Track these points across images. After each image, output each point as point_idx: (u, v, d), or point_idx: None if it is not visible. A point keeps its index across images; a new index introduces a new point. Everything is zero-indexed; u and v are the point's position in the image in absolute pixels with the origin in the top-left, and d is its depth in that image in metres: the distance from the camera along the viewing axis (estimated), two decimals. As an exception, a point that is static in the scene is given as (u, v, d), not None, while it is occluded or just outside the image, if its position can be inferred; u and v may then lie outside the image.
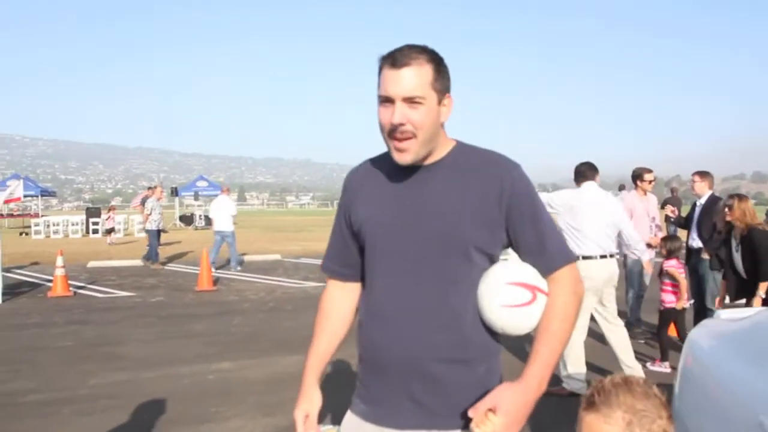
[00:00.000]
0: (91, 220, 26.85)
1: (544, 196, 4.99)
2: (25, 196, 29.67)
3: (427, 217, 1.60)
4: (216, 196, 15.87)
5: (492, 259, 1.65)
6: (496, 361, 1.67)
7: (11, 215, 33.69)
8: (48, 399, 5.01)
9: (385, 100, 1.55)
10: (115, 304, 9.67)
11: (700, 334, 3.07)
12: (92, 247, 19.92)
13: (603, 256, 5.06)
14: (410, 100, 1.53)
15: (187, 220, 32.73)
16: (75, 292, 10.60)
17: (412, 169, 1.64)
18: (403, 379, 1.61)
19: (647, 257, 5.75)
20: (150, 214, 14.20)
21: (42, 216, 29.26)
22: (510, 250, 1.70)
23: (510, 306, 1.57)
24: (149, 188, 15.56)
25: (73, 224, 26.99)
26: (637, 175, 7.07)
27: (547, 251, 1.63)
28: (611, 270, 5.11)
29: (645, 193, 7.02)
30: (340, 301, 1.84)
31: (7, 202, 15.76)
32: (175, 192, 34.82)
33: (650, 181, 6.99)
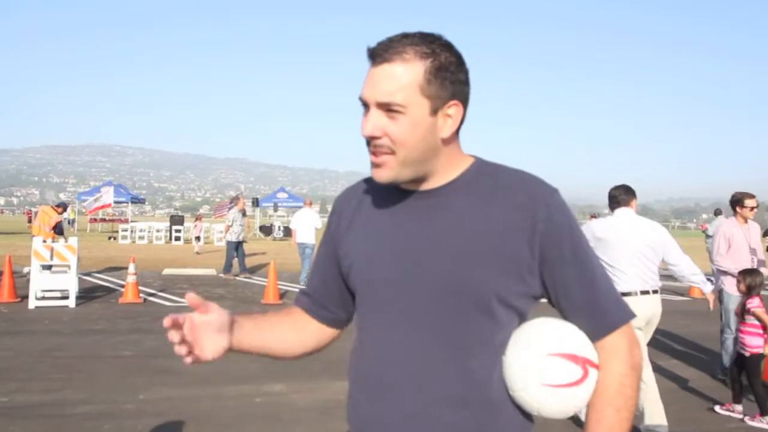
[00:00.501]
0: (174, 227, 27.73)
1: None
2: (115, 203, 31.23)
3: (436, 258, 1.22)
4: (296, 207, 15.86)
5: (522, 316, 1.26)
6: None
7: (104, 220, 35.34)
8: (93, 412, 4.89)
9: (363, 104, 1.23)
10: (181, 313, 9.63)
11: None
12: (172, 254, 20.44)
13: (645, 292, 4.48)
14: (387, 107, 1.19)
15: (266, 230, 33.36)
16: (145, 299, 10.71)
17: (418, 193, 1.27)
18: None
19: (709, 288, 5.06)
20: (231, 225, 14.20)
21: (130, 222, 30.50)
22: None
23: (553, 386, 1.18)
24: (232, 199, 15.66)
25: (157, 231, 27.96)
26: (737, 201, 6.30)
27: (598, 308, 1.25)
28: (654, 308, 4.52)
29: (745, 221, 6.25)
30: (300, 331, 1.46)
31: (94, 210, 16.41)
32: (256, 202, 35.59)
33: (752, 208, 6.22)
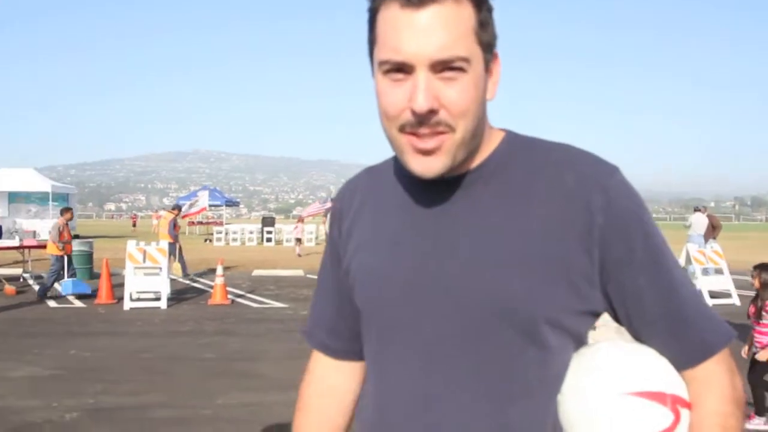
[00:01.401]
0: (266, 228, 28.37)
1: None
2: (211, 206, 32.43)
3: (458, 268, 0.91)
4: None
5: (578, 340, 0.92)
6: None
7: (201, 223, 36.73)
8: (171, 417, 4.87)
9: (396, 69, 0.86)
10: (266, 315, 9.68)
11: None
12: (263, 255, 20.86)
13: None
14: (444, 66, 0.85)
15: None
16: (233, 301, 10.84)
17: (435, 184, 0.93)
18: None
19: None
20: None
21: (225, 224, 31.52)
22: (606, 317, 0.95)
23: None
24: (332, 200, 15.73)
25: (249, 233, 28.70)
26: None
27: (686, 326, 0.91)
28: None
29: None
30: (332, 385, 1.14)
31: (190, 215, 16.95)
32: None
33: None
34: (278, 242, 27.30)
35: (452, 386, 0.91)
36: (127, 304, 10.00)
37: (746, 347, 4.84)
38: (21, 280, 13.30)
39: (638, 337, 0.94)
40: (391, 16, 0.86)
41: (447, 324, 0.91)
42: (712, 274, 11.39)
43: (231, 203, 37.82)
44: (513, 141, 0.98)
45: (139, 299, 10.30)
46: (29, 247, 14.01)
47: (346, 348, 1.12)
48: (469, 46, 0.86)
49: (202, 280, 14.02)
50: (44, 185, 28.32)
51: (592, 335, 0.94)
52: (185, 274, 14.13)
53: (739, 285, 11.61)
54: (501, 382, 0.90)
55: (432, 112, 0.85)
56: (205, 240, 29.10)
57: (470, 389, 0.90)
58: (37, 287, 11.75)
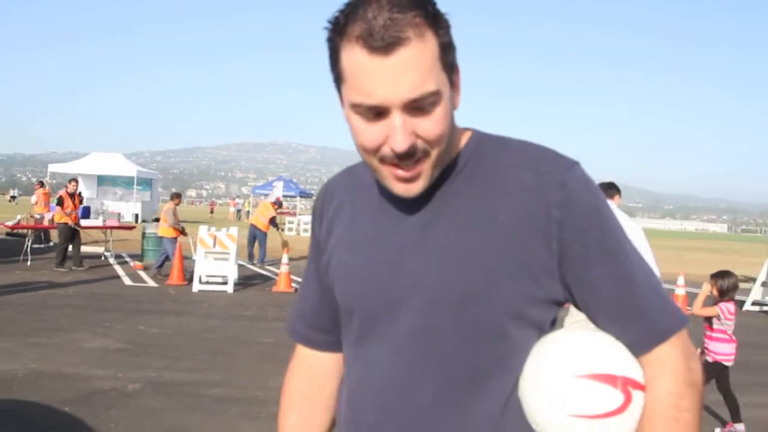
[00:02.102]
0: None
1: None
2: (285, 196, 33.14)
3: (434, 271, 0.96)
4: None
5: (540, 328, 0.97)
6: None
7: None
8: (224, 395, 5.08)
9: (372, 111, 0.90)
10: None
11: None
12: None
13: None
14: (417, 104, 0.89)
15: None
16: (296, 289, 11.09)
17: None
18: None
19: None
20: None
21: (297, 215, 32.17)
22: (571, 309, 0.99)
23: (584, 417, 0.89)
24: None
25: (306, 223, 29.22)
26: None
27: (640, 312, 0.95)
28: None
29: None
30: (317, 378, 1.20)
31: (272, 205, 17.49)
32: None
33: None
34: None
35: (418, 375, 0.96)
36: (196, 287, 10.45)
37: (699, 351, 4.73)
38: (102, 258, 14.13)
39: (597, 325, 0.98)
40: (357, 60, 0.88)
41: (418, 316, 0.97)
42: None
43: (305, 195, 38.55)
44: (479, 140, 1.03)
45: (207, 282, 10.74)
46: (112, 227, 14.84)
47: (327, 340, 1.19)
48: (436, 77, 0.89)
49: (269, 267, 14.43)
50: (130, 170, 29.74)
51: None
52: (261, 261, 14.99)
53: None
54: (464, 371, 0.95)
55: (411, 148, 0.90)
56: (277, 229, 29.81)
57: (434, 378, 0.96)
58: (117, 265, 12.44)
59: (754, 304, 11.20)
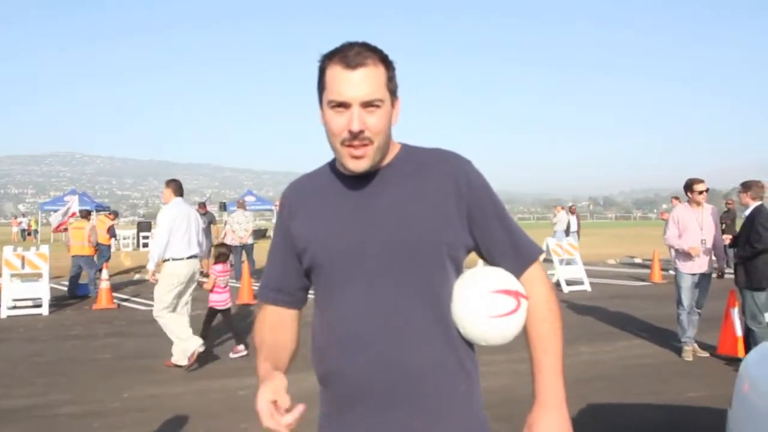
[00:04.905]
0: (142, 233, 27.46)
1: None
2: (81, 211, 30.67)
3: (389, 226, 1.46)
4: (265, 210, 15.76)
5: (459, 268, 1.53)
6: (477, 377, 1.55)
7: (66, 229, 34.56)
8: (80, 411, 5.02)
9: (339, 105, 1.42)
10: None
11: (756, 359, 2.81)
12: (141, 260, 20.27)
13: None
14: (368, 104, 1.41)
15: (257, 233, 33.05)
16: (119, 305, 10.73)
17: (360, 178, 1.51)
18: (385, 407, 1.44)
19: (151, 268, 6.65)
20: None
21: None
22: None
23: (497, 316, 1.45)
24: (199, 204, 15.42)
25: (124, 238, 27.67)
26: (688, 186, 6.68)
27: (519, 248, 1.55)
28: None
29: (699, 205, 6.62)
30: (283, 327, 1.65)
31: (65, 223, 16.27)
32: (223, 207, 35.31)
33: (701, 192, 6.59)
34: (155, 247, 26.50)
35: (394, 300, 1.44)
36: (4, 312, 9.66)
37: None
38: None
39: (491, 261, 1.55)
40: (335, 72, 1.41)
41: (382, 259, 1.44)
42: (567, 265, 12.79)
43: (101, 208, 36.00)
44: (407, 148, 1.57)
45: (15, 307, 9.96)
46: None
47: (288, 300, 1.63)
48: (383, 92, 1.42)
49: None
50: None
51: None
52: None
53: (590, 274, 13.09)
54: (425, 292, 1.45)
55: (361, 131, 1.41)
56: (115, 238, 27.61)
57: (406, 299, 1.44)
58: None
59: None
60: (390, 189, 1.49)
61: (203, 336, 6.59)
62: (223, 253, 7.07)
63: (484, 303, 1.45)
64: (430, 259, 1.45)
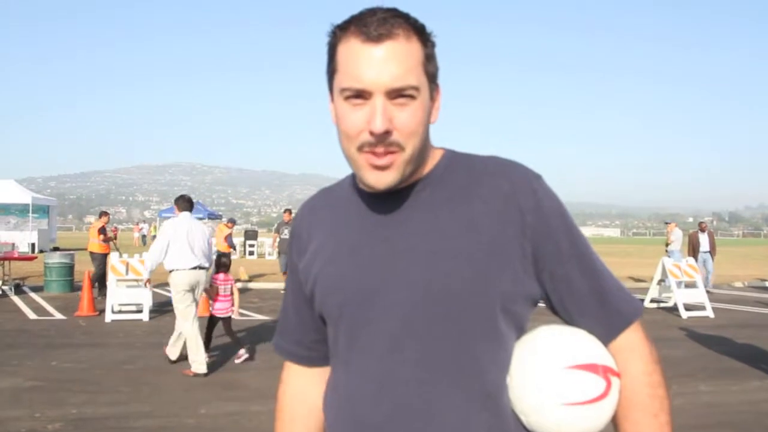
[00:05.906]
0: (248, 242, 28.31)
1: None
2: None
3: (418, 267, 1.02)
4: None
5: (520, 327, 1.06)
6: None
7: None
8: (154, 426, 4.90)
9: (356, 95, 0.99)
10: (248, 327, 9.72)
11: None
12: (251, 269, 20.79)
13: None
14: (397, 94, 0.98)
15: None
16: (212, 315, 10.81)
17: (383, 198, 1.07)
18: None
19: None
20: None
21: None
22: None
23: (576, 404, 0.98)
24: (285, 211, 15.36)
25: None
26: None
27: (608, 303, 1.07)
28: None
29: None
30: (306, 392, 1.26)
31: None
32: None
33: None
34: (260, 255, 27.24)
35: (417, 368, 1.01)
36: (109, 317, 9.98)
37: None
38: (0, 292, 13.20)
39: (567, 319, 1.08)
40: (351, 49, 0.98)
41: (411, 315, 1.02)
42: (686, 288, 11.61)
43: (213, 216, 37.66)
44: (451, 156, 1.12)
45: (120, 311, 10.28)
46: (10, 259, 13.91)
47: (312, 356, 1.23)
48: (418, 76, 0.99)
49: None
50: (24, 197, 28.00)
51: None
52: None
53: (714, 298, 11.85)
54: (460, 368, 1.00)
55: (387, 132, 0.97)
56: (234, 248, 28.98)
57: (433, 370, 1.00)
58: (17, 298, 11.65)
59: (652, 301, 11.96)
60: (424, 214, 1.06)
61: (205, 343, 6.92)
62: (224, 263, 7.41)
63: (556, 383, 0.99)
64: (476, 316, 1.01)
